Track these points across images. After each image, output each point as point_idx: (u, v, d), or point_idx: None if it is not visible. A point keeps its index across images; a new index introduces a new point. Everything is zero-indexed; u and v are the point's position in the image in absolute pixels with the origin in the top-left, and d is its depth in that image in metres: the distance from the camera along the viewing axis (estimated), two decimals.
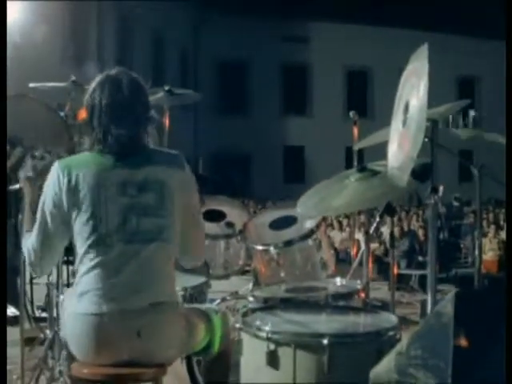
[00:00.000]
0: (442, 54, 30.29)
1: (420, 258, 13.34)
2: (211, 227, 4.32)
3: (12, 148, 3.95)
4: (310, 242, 4.08)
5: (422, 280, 9.73)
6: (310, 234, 4.01)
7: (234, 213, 4.44)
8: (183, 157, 2.92)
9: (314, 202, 3.74)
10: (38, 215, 2.79)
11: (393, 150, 3.08)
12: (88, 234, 2.68)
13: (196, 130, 30.64)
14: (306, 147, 31.46)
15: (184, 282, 3.72)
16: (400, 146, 3.01)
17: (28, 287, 6.51)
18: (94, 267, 2.69)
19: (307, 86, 32.27)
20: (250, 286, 4.30)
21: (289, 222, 4.09)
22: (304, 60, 31.37)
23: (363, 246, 3.96)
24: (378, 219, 3.83)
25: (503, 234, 13.81)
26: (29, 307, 6.58)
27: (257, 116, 30.60)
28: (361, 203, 3.60)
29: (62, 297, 3.49)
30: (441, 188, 3.12)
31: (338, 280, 3.95)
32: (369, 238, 3.86)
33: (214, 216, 4.39)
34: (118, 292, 2.66)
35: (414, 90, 3.00)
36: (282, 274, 4.06)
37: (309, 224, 4.01)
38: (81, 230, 2.70)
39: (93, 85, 2.87)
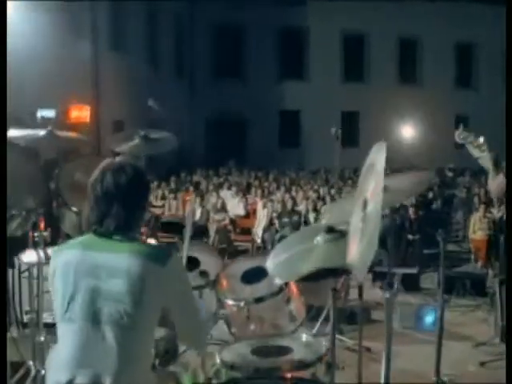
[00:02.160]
0: (441, 20, 30.13)
1: (410, 236, 13.47)
2: None
3: None
4: (279, 295, 4.20)
5: (407, 277, 9.75)
6: (280, 291, 4.13)
7: (209, 260, 4.56)
8: (170, 252, 2.97)
9: (282, 264, 3.84)
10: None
11: (353, 245, 3.14)
12: (59, 306, 2.90)
13: (192, 95, 30.52)
14: (302, 111, 31.36)
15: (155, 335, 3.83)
16: (359, 243, 3.09)
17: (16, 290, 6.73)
18: (60, 337, 2.92)
19: (304, 50, 32.02)
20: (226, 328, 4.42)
21: (260, 275, 4.20)
22: (301, 24, 31.07)
23: (330, 302, 4.06)
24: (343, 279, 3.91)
25: (494, 213, 13.93)
26: (18, 311, 6.77)
27: (253, 80, 30.46)
28: (329, 268, 3.55)
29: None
30: None
31: (304, 337, 4.06)
32: (335, 296, 3.94)
33: (189, 263, 4.48)
34: (76, 365, 2.83)
35: (370, 187, 3.10)
36: (252, 327, 4.20)
37: (279, 280, 4.10)
38: (58, 301, 2.92)
39: (96, 171, 3.00)
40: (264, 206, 15.05)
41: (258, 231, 14.57)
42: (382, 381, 3.60)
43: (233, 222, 15.23)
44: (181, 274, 3.05)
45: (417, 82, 32.56)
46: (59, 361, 2.89)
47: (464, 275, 10.04)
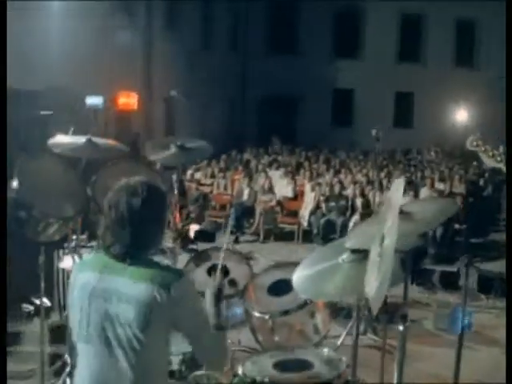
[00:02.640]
0: (500, 4, 29.36)
1: (457, 226, 13.35)
2: (213, 285, 4.54)
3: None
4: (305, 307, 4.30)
5: (445, 276, 9.60)
6: (305, 305, 4.22)
7: (238, 269, 4.66)
8: (177, 277, 2.99)
9: (307, 281, 3.93)
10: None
11: (371, 277, 3.19)
12: (76, 326, 3.02)
13: (245, 71, 30.48)
14: (356, 90, 31.09)
15: (183, 347, 3.97)
16: (376, 278, 3.14)
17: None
18: (79, 355, 3.04)
19: (360, 29, 31.65)
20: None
21: (287, 287, 4.27)
22: (357, 3, 30.67)
23: (353, 323, 4.14)
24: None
25: None
26: (62, 298, 6.99)
27: (307, 57, 30.17)
28: (353, 290, 3.66)
29: None
30: None
31: (326, 351, 4.14)
32: (359, 315, 4.03)
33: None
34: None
35: (388, 223, 3.16)
36: (276, 338, 4.31)
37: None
38: (75, 319, 3.04)
39: (111, 193, 3.03)
40: (312, 189, 15.05)
41: (305, 214, 14.58)
42: None
43: (280, 203, 15.27)
44: (188, 297, 3.04)
45: (473, 66, 31.93)
46: (80, 376, 3.04)
47: (502, 274, 9.88)
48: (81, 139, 4.57)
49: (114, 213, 2.95)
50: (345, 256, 3.78)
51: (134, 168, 4.50)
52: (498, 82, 29.65)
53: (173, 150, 4.58)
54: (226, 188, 16.49)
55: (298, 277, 3.97)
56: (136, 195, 2.96)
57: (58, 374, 5.11)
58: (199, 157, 5.08)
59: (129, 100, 17.78)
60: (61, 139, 4.56)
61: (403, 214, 3.61)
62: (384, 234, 3.15)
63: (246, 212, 15.01)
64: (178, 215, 4.78)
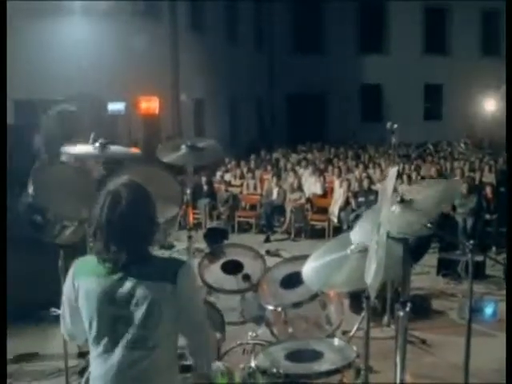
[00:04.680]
0: None
1: (487, 216, 13.26)
2: (228, 280, 4.67)
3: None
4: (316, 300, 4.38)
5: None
6: (316, 296, 4.30)
7: (252, 263, 4.75)
8: (183, 266, 3.04)
9: (315, 272, 4.01)
10: (63, 298, 3.16)
11: (369, 265, 3.25)
12: (88, 331, 3.05)
13: (272, 70, 30.56)
14: (383, 85, 30.97)
15: None
16: (373, 265, 3.21)
17: None
18: (95, 358, 3.07)
19: (385, 23, 31.52)
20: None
21: (298, 280, 4.34)
22: None
23: (365, 313, 4.18)
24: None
25: None
26: None
27: (333, 54, 30.20)
28: (360, 281, 3.51)
29: None
30: None
31: (337, 341, 4.20)
32: (368, 305, 4.07)
33: (232, 267, 4.71)
34: None
35: (384, 211, 3.23)
36: (290, 330, 4.40)
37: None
38: (84, 324, 3.06)
39: (100, 197, 3.05)
40: (341, 185, 15.07)
41: (335, 210, 14.60)
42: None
43: (309, 200, 15.31)
44: (191, 288, 3.10)
45: (500, 54, 31.54)
46: (95, 379, 3.07)
47: None
48: (95, 146, 4.66)
49: (104, 215, 2.97)
50: (353, 247, 3.86)
51: (147, 171, 4.59)
52: None
53: (183, 150, 4.67)
54: (255, 188, 16.56)
55: (307, 269, 4.06)
56: (120, 198, 2.99)
57: (82, 373, 5.23)
58: (210, 157, 5.09)
59: (150, 104, 17.86)
60: (73, 149, 4.67)
61: (404, 202, 3.66)
62: (380, 223, 3.23)
63: (276, 211, 15.09)
64: (191, 215, 4.85)
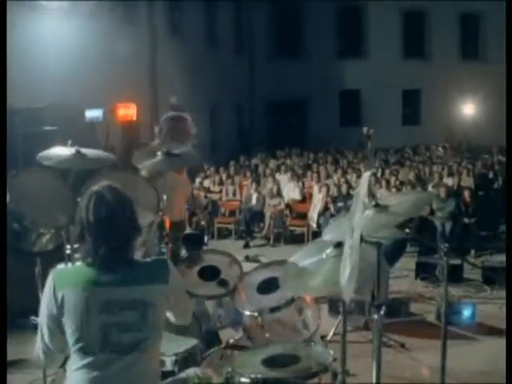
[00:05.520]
0: None
1: (466, 220, 13.38)
2: (205, 287, 4.69)
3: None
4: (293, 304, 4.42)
5: (450, 267, 9.59)
6: (292, 301, 4.34)
7: (229, 269, 4.79)
8: (167, 264, 3.17)
9: (294, 277, 4.05)
10: (41, 313, 3.14)
11: (344, 270, 3.28)
12: (74, 342, 3.03)
13: (251, 73, 30.59)
14: (363, 90, 31.11)
15: (175, 348, 4.10)
16: (347, 269, 3.25)
17: None
18: (78, 369, 3.04)
19: (363, 28, 31.67)
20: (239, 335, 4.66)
21: (275, 285, 4.39)
22: (359, 2, 30.79)
23: (341, 317, 4.23)
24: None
25: None
26: None
27: (312, 59, 30.25)
28: (337, 285, 3.50)
29: None
30: None
31: (314, 345, 4.24)
32: (345, 309, 4.13)
33: (209, 273, 4.73)
34: None
35: (357, 215, 3.28)
36: (267, 335, 4.43)
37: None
38: (69, 336, 3.05)
39: (81, 200, 3.15)
40: (320, 190, 15.14)
41: (314, 216, 14.66)
42: None
43: (288, 206, 15.38)
44: (179, 280, 3.27)
45: (480, 58, 31.84)
46: None
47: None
48: (69, 150, 4.69)
49: (90, 216, 3.02)
50: (329, 251, 3.90)
51: (123, 177, 4.61)
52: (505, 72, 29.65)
53: (159, 157, 4.69)
54: (234, 194, 16.61)
55: (284, 274, 4.09)
56: (105, 197, 3.05)
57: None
58: (187, 163, 5.13)
59: (128, 111, 17.82)
60: (48, 152, 4.68)
61: (379, 207, 3.73)
62: (353, 227, 3.28)
63: (255, 217, 15.15)
64: (168, 222, 4.86)
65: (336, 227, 3.97)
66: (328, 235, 3.92)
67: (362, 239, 3.32)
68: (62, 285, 3.04)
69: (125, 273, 3.05)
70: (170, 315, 3.30)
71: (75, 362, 3.05)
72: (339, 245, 3.77)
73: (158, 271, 3.12)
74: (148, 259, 3.34)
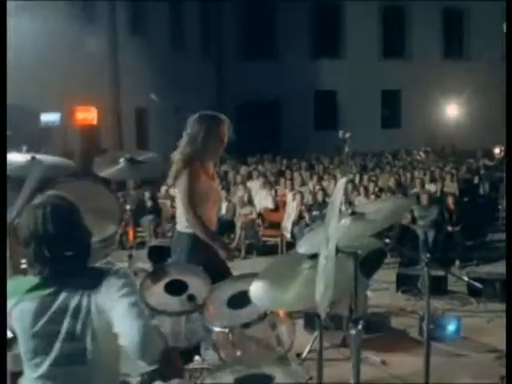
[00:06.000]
0: None
1: (450, 228, 13.44)
2: (172, 302, 4.70)
3: None
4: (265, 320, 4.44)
5: (434, 279, 9.61)
6: (265, 316, 4.36)
7: (196, 283, 4.80)
8: (124, 275, 3.20)
9: (266, 291, 4.07)
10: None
11: (319, 282, 3.32)
12: (23, 354, 3.14)
13: (220, 75, 30.61)
14: (339, 92, 31.28)
15: (141, 368, 4.09)
16: (322, 281, 3.28)
17: None
18: (28, 381, 3.14)
19: (340, 26, 31.85)
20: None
21: (246, 299, 4.40)
22: None
23: (317, 333, 4.27)
24: None
25: None
26: None
27: (286, 60, 30.37)
28: (312, 299, 3.48)
29: None
30: None
31: (288, 363, 4.28)
32: (321, 323, 4.17)
33: (176, 287, 4.74)
34: None
35: (332, 224, 3.33)
36: (239, 352, 4.45)
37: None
38: (19, 348, 3.16)
39: (27, 210, 3.18)
40: (293, 198, 15.18)
41: (288, 225, 14.67)
42: None
43: (260, 215, 15.38)
44: (126, 290, 3.15)
45: (463, 56, 32.15)
46: None
47: (494, 277, 9.96)
48: (24, 157, 4.68)
49: (34, 228, 3.08)
50: (303, 262, 3.93)
51: (83, 185, 4.62)
52: (490, 72, 29.95)
53: (122, 164, 4.70)
54: None
55: (255, 287, 4.12)
56: (49, 208, 3.11)
57: None
58: (151, 171, 5.15)
59: (87, 114, 17.75)
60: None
61: (356, 215, 3.78)
62: (329, 237, 3.32)
63: (225, 227, 15.09)
64: (131, 233, 4.88)
65: (311, 237, 4.01)
66: (303, 246, 3.96)
67: (338, 250, 3.37)
68: (12, 296, 3.13)
69: (70, 281, 3.11)
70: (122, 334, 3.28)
71: (26, 375, 3.16)
72: (314, 256, 3.81)
73: (103, 279, 3.14)
74: (102, 267, 3.41)
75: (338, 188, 3.39)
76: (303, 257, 3.97)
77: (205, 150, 5.65)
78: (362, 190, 15.23)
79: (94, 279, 3.13)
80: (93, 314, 3.07)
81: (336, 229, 3.22)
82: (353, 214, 3.77)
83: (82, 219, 3.24)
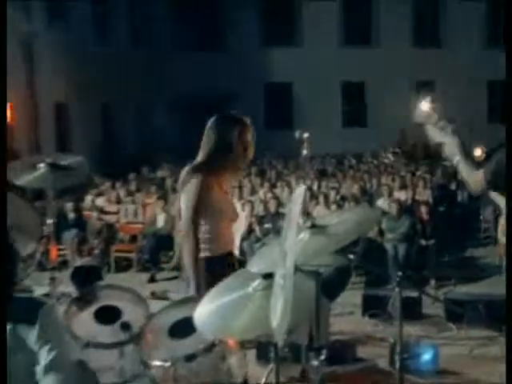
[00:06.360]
0: None
1: (423, 242, 13.56)
2: (103, 332, 4.70)
3: None
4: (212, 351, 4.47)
5: (406, 302, 9.60)
6: (213, 346, 4.39)
7: (132, 309, 4.81)
8: (44, 306, 3.23)
9: (211, 317, 4.10)
10: None
11: (275, 305, 3.36)
12: None
13: (152, 69, 30.13)
14: (294, 84, 31.37)
15: None
16: (279, 303, 3.33)
17: None
18: None
19: (294, 10, 31.87)
20: None
21: (191, 327, 4.41)
22: None
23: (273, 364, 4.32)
24: None
25: None
26: None
27: (234, 49, 30.35)
28: (266, 325, 3.54)
29: None
30: None
31: None
32: (277, 360, 4.22)
33: (108, 315, 4.75)
34: None
35: (290, 238, 3.38)
36: None
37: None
38: None
39: None
40: (242, 209, 15.20)
41: (236, 240, 14.69)
42: None
43: None
44: (54, 330, 3.25)
45: (437, 43, 32.39)
46: None
47: (476, 298, 10.05)
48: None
49: None
50: (256, 283, 3.96)
51: None
52: (467, 60, 30.29)
53: (42, 170, 4.68)
54: (136, 215, 16.52)
55: (200, 313, 4.14)
56: None
57: None
58: (77, 178, 5.10)
59: None
60: None
61: (316, 228, 3.84)
62: (286, 253, 3.37)
63: (162, 243, 15.08)
64: (54, 251, 4.87)
65: (264, 254, 4.06)
66: (255, 264, 4.00)
67: (296, 268, 3.41)
68: None
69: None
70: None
71: None
72: (268, 276, 3.85)
73: (28, 310, 3.20)
74: (26, 297, 3.47)
75: (297, 196, 3.44)
76: (255, 276, 3.99)
77: (222, 160, 5.55)
78: (321, 198, 15.32)
79: (19, 310, 3.17)
80: (14, 348, 3.10)
81: (294, 244, 3.26)
82: (312, 226, 3.83)
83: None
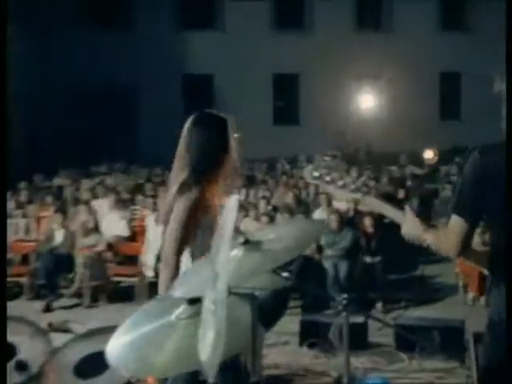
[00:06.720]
0: None
1: (368, 259, 13.62)
2: None
3: None
4: None
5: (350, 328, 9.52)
6: None
7: (30, 345, 4.75)
8: None
9: (127, 350, 4.06)
10: None
11: (205, 334, 3.34)
12: None
13: (44, 54, 29.54)
14: (216, 75, 31.43)
15: None
16: (210, 332, 3.31)
17: None
18: None
19: None
20: None
21: (101, 364, 4.37)
22: None
23: None
24: None
25: None
26: None
27: (143, 31, 30.09)
28: (193, 358, 3.51)
29: None
30: None
31: None
32: None
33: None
34: None
35: (221, 257, 3.37)
36: None
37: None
38: None
39: None
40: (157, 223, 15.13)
41: (150, 259, 14.62)
42: None
43: (111, 247, 15.30)
44: None
45: (382, 28, 32.67)
46: None
47: (431, 323, 10.14)
48: None
49: None
50: (180, 310, 3.93)
51: None
52: (417, 48, 30.59)
53: None
54: (28, 231, 16.35)
55: (113, 347, 4.09)
56: None
57: None
58: None
59: None
60: None
61: (249, 244, 3.83)
62: (217, 273, 3.35)
63: (60, 263, 14.93)
64: None
65: (190, 275, 4.04)
66: (178, 287, 3.97)
67: (229, 291, 3.40)
68: None
69: None
70: None
71: None
72: (195, 301, 3.83)
73: None
74: None
75: (229, 209, 3.43)
76: (178, 302, 3.96)
77: (218, 164, 5.41)
78: (250, 209, 15.35)
79: None
80: None
81: (226, 263, 3.25)
82: (246, 242, 3.82)
83: None
